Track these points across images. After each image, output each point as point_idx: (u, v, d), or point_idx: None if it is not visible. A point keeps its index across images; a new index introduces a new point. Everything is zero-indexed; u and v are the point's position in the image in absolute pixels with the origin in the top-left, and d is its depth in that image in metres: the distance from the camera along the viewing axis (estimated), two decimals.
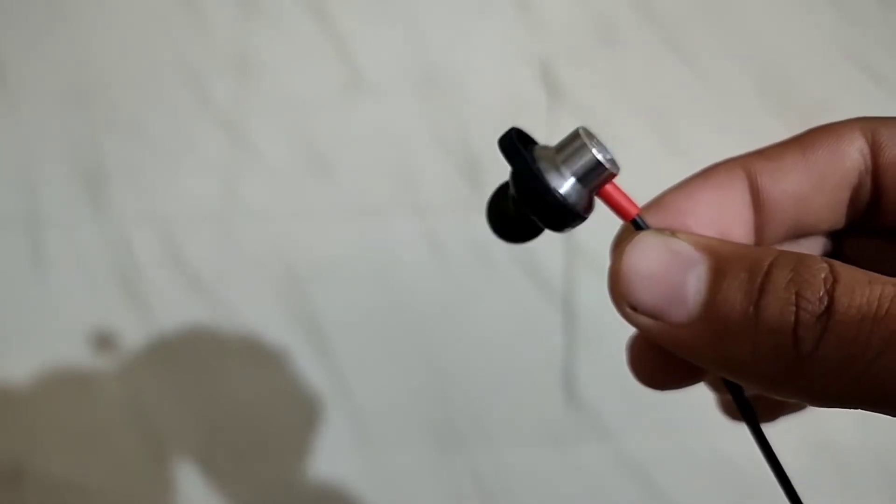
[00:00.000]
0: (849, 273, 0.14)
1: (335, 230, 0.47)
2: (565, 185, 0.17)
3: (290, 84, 0.51)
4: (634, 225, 0.17)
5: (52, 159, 0.48)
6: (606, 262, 0.18)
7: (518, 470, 0.43)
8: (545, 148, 0.17)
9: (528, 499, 0.43)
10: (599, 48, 0.53)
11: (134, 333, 0.45)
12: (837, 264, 0.14)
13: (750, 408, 0.18)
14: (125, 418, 0.43)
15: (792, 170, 0.18)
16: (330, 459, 0.43)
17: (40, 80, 0.50)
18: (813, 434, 0.43)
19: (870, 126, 0.18)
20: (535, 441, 0.44)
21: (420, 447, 0.43)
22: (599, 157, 0.17)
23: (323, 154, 0.49)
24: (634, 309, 0.16)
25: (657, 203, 0.19)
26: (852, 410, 0.14)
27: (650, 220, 0.18)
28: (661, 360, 0.19)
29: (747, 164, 0.18)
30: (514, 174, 0.17)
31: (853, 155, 0.18)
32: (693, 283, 0.15)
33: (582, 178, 0.17)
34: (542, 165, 0.17)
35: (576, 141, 0.17)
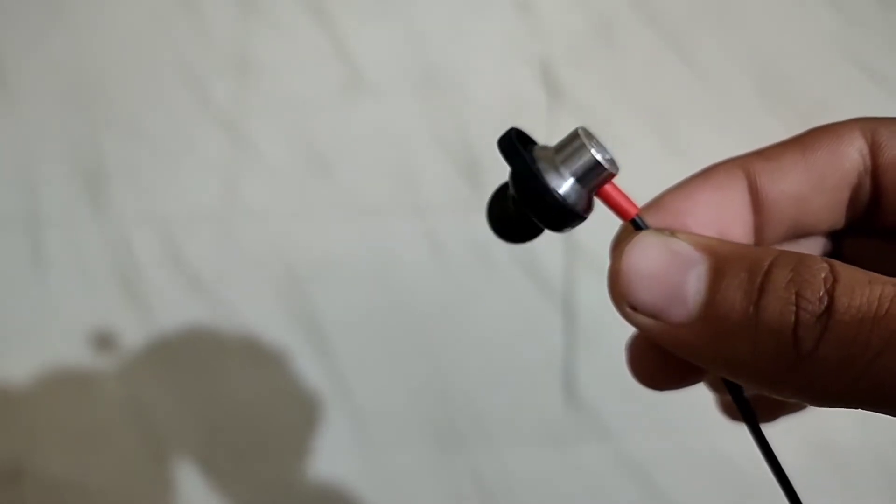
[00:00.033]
0: (849, 273, 0.14)
1: (335, 230, 0.47)
2: (565, 185, 0.17)
3: (290, 84, 0.51)
4: (634, 225, 0.17)
5: (52, 159, 0.48)
6: (606, 262, 0.18)
7: (518, 470, 0.43)
8: (544, 148, 0.17)
9: (528, 499, 0.43)
10: (599, 48, 0.53)
11: (134, 333, 0.45)
12: (837, 264, 0.14)
13: (750, 408, 0.18)
14: (125, 418, 0.43)
15: (791, 170, 0.18)
16: (330, 459, 0.43)
17: (40, 80, 0.50)
18: (813, 434, 0.43)
19: (869, 126, 0.18)
20: (535, 441, 0.44)
21: (420, 447, 0.43)
22: (598, 157, 0.17)
23: (323, 154, 0.49)
24: (634, 308, 0.16)
25: (656, 203, 0.19)
26: (852, 410, 0.14)
27: (649, 220, 0.18)
28: (660, 360, 0.19)
29: (747, 165, 0.18)
30: (513, 174, 0.17)
31: (853, 155, 0.18)
32: (693, 283, 0.15)
33: (581, 178, 0.17)
34: (542, 166, 0.17)
35: (575, 141, 0.17)
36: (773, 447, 0.17)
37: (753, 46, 0.53)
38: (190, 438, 0.43)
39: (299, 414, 0.44)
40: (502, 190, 0.19)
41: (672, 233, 0.16)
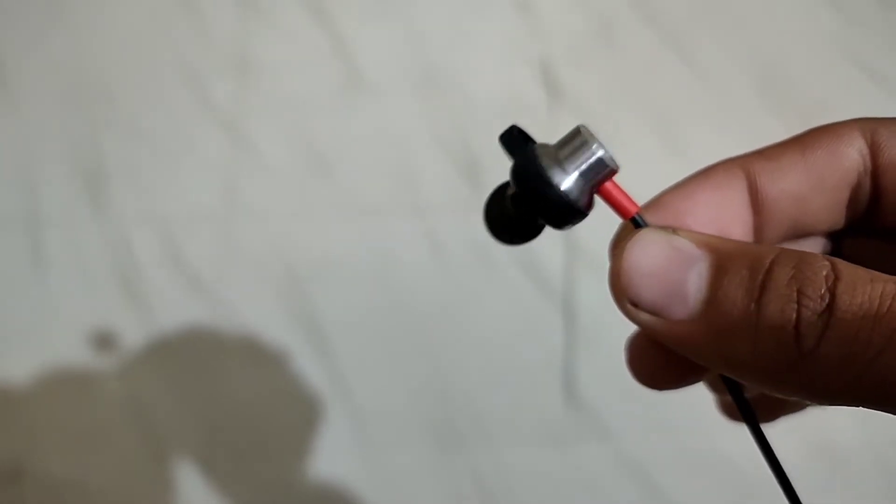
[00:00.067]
0: (850, 271, 0.14)
1: (335, 230, 0.47)
2: (568, 180, 0.17)
3: (290, 84, 0.51)
4: (634, 223, 0.17)
5: (52, 159, 0.48)
6: (606, 262, 0.18)
7: (518, 470, 0.43)
8: (545, 146, 0.17)
9: (528, 499, 0.43)
10: (599, 48, 0.53)
11: (134, 333, 0.45)
12: (839, 262, 0.14)
13: (750, 408, 0.18)
14: (125, 418, 0.43)
15: (791, 170, 0.18)
16: (330, 459, 0.43)
17: (40, 80, 0.50)
18: (813, 434, 0.43)
19: (869, 126, 0.18)
20: (535, 441, 0.44)
21: (420, 447, 0.43)
22: (601, 152, 0.17)
23: (323, 154, 0.49)
24: (635, 305, 0.16)
25: (656, 203, 0.19)
26: (852, 410, 0.14)
27: (649, 219, 0.18)
28: (660, 359, 0.19)
29: (746, 164, 0.18)
30: (515, 169, 0.17)
31: (852, 155, 0.18)
32: (694, 280, 0.15)
33: (584, 174, 0.17)
34: (545, 161, 0.17)
35: (578, 137, 0.17)
36: (773, 447, 0.17)
37: (753, 46, 0.53)
38: (190, 438, 0.43)
39: (299, 414, 0.44)
40: (500, 191, 0.19)
41: (673, 230, 0.16)
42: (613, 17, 0.53)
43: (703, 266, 0.15)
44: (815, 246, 0.20)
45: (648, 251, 0.16)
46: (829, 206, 0.18)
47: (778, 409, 0.22)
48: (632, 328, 0.18)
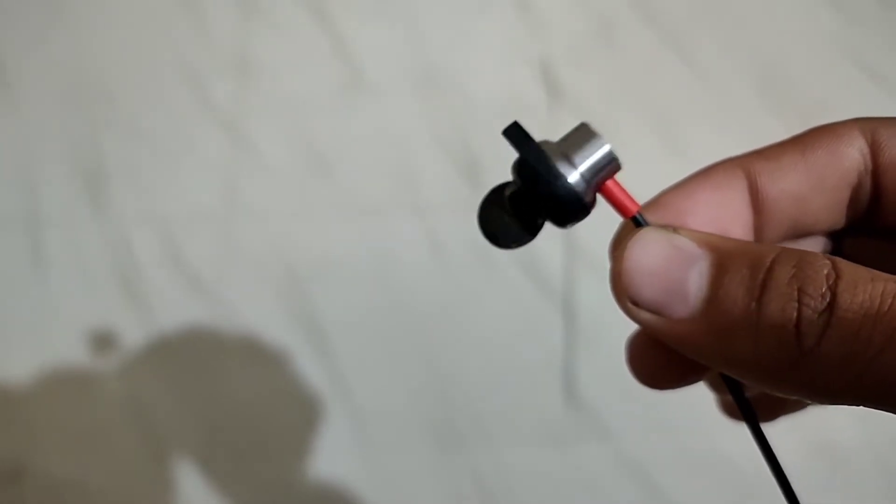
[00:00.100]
0: (851, 270, 0.14)
1: (335, 230, 0.47)
2: (575, 173, 0.17)
3: (290, 84, 0.51)
4: (634, 222, 0.17)
5: (52, 159, 0.48)
6: (606, 261, 0.18)
7: (518, 470, 0.43)
8: (547, 142, 0.17)
9: (528, 499, 0.43)
10: (599, 48, 0.53)
11: (134, 333, 0.45)
12: (840, 261, 0.14)
13: (750, 407, 0.18)
14: (125, 418, 0.43)
15: (791, 170, 0.18)
16: (330, 459, 0.43)
17: (40, 80, 0.50)
18: (813, 434, 0.43)
19: (869, 126, 0.18)
20: (535, 441, 0.44)
21: (420, 447, 0.43)
22: (609, 145, 0.16)
23: (323, 154, 0.49)
24: (636, 304, 0.16)
25: (656, 202, 0.19)
26: (852, 409, 0.14)
27: (650, 218, 0.18)
28: (660, 358, 0.19)
29: (746, 164, 0.18)
30: (521, 162, 0.17)
31: (853, 155, 0.18)
32: (695, 279, 0.15)
33: (589, 170, 0.17)
34: (552, 154, 0.17)
35: (583, 133, 0.17)
36: (773, 447, 0.17)
37: (753, 46, 0.53)
38: (190, 438, 0.43)
39: (299, 414, 0.44)
40: (495, 193, 0.19)
41: (674, 229, 0.16)
42: (613, 17, 0.53)
43: (703, 265, 0.15)
44: (815, 245, 0.20)
45: (649, 250, 0.16)
46: (829, 206, 0.18)
47: (778, 409, 0.22)
48: (632, 328, 0.18)
